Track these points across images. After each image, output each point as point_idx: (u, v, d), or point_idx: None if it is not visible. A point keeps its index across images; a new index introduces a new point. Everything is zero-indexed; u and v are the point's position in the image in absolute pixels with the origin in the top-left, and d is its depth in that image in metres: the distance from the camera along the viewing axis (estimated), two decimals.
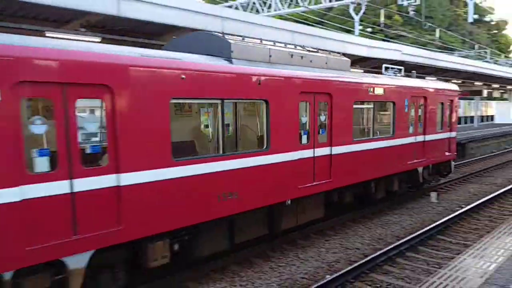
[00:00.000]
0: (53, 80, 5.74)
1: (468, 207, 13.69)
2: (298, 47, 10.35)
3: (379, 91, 11.98)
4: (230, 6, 24.87)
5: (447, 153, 16.06)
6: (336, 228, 11.84)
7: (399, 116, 12.93)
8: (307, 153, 9.79)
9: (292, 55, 9.72)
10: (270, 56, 9.20)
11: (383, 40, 31.10)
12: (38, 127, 5.77)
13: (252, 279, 8.63)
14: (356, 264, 8.92)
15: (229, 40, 8.64)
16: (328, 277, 8.38)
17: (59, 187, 5.85)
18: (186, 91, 7.26)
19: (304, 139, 9.73)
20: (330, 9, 40.00)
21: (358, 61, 19.82)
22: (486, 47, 52.79)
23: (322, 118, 10.21)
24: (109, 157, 6.38)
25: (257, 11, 25.80)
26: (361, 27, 28.82)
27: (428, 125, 14.51)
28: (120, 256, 6.98)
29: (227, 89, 7.95)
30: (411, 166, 13.89)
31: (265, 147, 8.87)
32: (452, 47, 50.64)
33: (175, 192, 7.17)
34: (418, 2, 22.87)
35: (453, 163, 16.80)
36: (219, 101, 7.98)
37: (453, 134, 16.44)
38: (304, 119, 9.77)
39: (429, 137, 14.60)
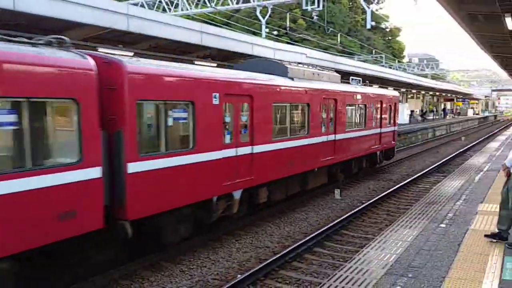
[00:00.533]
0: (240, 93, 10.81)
1: (368, 202, 14.54)
2: (317, 68, 16.30)
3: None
4: (136, 4, 24.16)
5: (392, 142, 22.06)
6: (246, 227, 11.97)
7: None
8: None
9: (313, 73, 15.06)
10: (303, 74, 14.23)
11: (288, 43, 32.03)
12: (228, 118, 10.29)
13: (162, 283, 8.45)
14: (266, 262, 9.08)
15: (286, 65, 13.73)
16: (240, 277, 8.45)
17: (233, 152, 10.41)
18: (280, 98, 12.59)
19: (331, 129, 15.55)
20: (237, 10, 40.39)
21: None
22: (381, 52, 56.43)
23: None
24: (249, 137, 11.09)
25: (164, 9, 25.35)
26: (267, 30, 29.42)
27: (383, 121, 20.40)
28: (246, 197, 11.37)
29: (292, 96, 13.18)
30: (372, 151, 19.63)
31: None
32: (352, 51, 53.48)
33: (274, 157, 12.09)
34: (321, 8, 23.82)
35: (395, 149, 22.95)
36: (287, 104, 13.02)
37: (396, 128, 22.57)
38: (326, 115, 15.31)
39: (383, 130, 20.49)
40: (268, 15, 27.81)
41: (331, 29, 44.11)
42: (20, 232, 6.26)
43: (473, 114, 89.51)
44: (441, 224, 8.83)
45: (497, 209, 7.73)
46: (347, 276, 6.71)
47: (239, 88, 10.79)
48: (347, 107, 16.68)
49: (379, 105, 19.93)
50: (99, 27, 12.03)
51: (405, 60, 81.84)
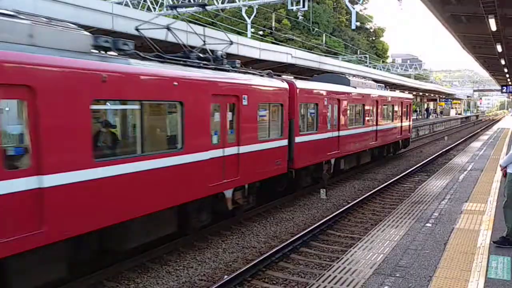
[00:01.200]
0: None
1: (354, 202, 14.60)
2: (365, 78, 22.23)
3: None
4: (120, 3, 23.93)
5: (408, 133, 27.92)
6: (232, 228, 11.93)
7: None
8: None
9: (363, 83, 20.91)
10: (357, 83, 19.74)
11: (273, 43, 32.05)
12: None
13: (149, 285, 8.36)
14: (253, 263, 9.04)
15: (348, 77, 19.46)
16: (226, 277, 8.40)
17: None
18: (352, 101, 18.33)
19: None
20: (222, 10, 40.27)
21: (250, 63, 20.21)
22: (366, 52, 56.82)
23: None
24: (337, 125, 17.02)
25: (149, 9, 25.16)
26: (252, 30, 29.41)
27: (403, 116, 26.08)
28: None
29: (354, 99, 18.68)
30: (396, 140, 25.46)
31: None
32: (336, 51, 53.76)
33: (349, 138, 17.84)
34: (306, 8, 23.88)
35: (410, 140, 28.97)
36: (354, 104, 18.91)
37: (411, 122, 29.08)
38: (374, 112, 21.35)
39: (403, 124, 26.18)
40: (253, 15, 27.78)
41: (316, 29, 44.27)
42: (267, 169, 12.54)
43: (456, 114, 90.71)
44: (427, 224, 8.88)
45: (481, 208, 7.79)
46: (335, 276, 6.72)
47: (335, 95, 17.00)
48: (383, 106, 22.57)
49: (400, 105, 25.69)
50: (84, 26, 11.88)
51: (389, 60, 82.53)
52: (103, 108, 8.39)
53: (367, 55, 52.86)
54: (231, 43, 12.57)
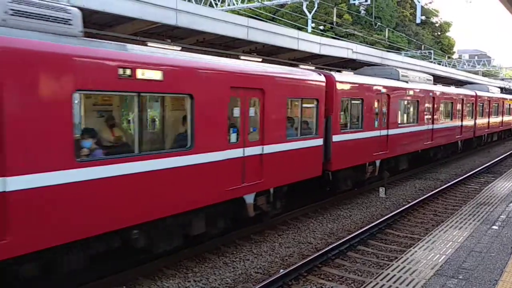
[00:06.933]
0: None
1: (415, 201, 14.18)
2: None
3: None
4: None
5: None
6: (289, 223, 11.94)
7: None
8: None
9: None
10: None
11: (334, 38, 31.63)
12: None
13: (206, 274, 8.54)
14: (309, 258, 9.02)
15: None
16: (282, 271, 8.43)
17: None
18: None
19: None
20: (282, 5, 40.23)
21: (310, 58, 20.03)
22: (430, 47, 54.84)
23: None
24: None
25: (211, 5, 25.56)
26: (313, 25, 29.16)
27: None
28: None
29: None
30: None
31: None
32: (399, 46, 52.26)
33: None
34: (368, 2, 23.38)
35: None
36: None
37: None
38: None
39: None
40: (314, 9, 27.53)
41: (378, 23, 43.25)
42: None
43: None
44: (493, 226, 8.50)
45: None
46: (394, 275, 6.54)
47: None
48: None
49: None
50: (148, 22, 12.23)
51: (455, 56, 79.17)
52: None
53: (432, 51, 50.96)
54: None
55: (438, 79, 31.69)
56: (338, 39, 29.96)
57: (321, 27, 33.44)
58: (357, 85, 14.09)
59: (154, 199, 7.53)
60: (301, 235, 11.03)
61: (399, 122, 16.81)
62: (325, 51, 19.56)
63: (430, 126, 19.51)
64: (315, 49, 19.02)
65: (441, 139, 20.99)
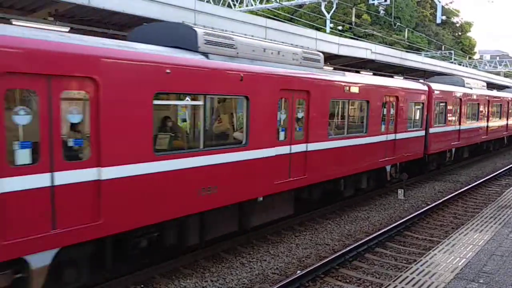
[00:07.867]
0: None
1: (434, 204, 13.99)
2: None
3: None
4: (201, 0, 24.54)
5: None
6: (306, 224, 11.88)
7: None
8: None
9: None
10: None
11: (352, 38, 31.43)
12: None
13: (223, 274, 8.55)
14: (326, 260, 8.97)
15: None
16: (299, 272, 8.39)
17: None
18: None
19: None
20: (300, 6, 40.13)
21: (329, 59, 19.93)
22: (451, 48, 54.12)
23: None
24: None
25: (229, 5, 25.62)
26: (331, 25, 29.01)
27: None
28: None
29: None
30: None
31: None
32: (419, 47, 51.68)
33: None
34: (388, 2, 23.17)
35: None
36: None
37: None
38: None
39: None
40: (333, 10, 27.40)
41: (397, 24, 42.84)
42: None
43: None
44: None
45: None
46: (413, 278, 6.46)
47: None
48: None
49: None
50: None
51: (476, 56, 77.97)
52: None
53: (452, 51, 50.28)
54: None
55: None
56: (357, 39, 29.76)
57: (340, 28, 33.26)
58: (443, 92, 18.42)
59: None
60: (318, 236, 10.97)
61: (466, 120, 21.26)
62: (344, 51, 19.47)
63: (484, 124, 23.91)
64: (333, 50, 18.94)
65: (493, 134, 25.48)
